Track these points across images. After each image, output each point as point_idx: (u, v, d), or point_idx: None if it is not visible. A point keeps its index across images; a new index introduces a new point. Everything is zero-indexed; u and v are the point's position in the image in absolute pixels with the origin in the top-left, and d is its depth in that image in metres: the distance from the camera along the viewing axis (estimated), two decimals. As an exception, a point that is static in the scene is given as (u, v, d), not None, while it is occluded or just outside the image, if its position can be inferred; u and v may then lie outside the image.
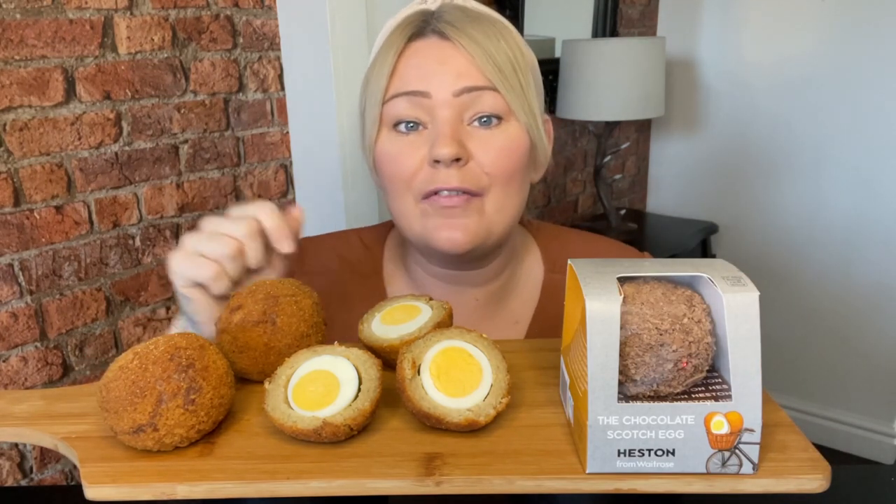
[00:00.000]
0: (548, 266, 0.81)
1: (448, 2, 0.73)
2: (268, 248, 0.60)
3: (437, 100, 0.68)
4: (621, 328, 0.43)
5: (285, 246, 0.59)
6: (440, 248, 0.69)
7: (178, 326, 0.67)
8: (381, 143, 0.71)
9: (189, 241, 0.58)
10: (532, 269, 0.82)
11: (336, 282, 0.81)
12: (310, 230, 1.51)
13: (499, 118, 0.69)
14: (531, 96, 0.71)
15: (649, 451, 0.43)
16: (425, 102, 0.68)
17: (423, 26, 0.70)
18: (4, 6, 0.98)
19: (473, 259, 0.75)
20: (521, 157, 0.71)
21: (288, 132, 1.39)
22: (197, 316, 0.60)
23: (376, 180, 0.77)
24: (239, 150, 1.32)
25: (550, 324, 0.78)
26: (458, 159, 0.66)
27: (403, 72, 0.69)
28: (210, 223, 0.59)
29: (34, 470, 1.12)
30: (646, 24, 2.32)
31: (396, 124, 0.70)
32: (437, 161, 0.66)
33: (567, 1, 2.11)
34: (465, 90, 0.67)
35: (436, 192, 0.68)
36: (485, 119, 0.69)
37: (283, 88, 1.36)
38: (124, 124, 1.14)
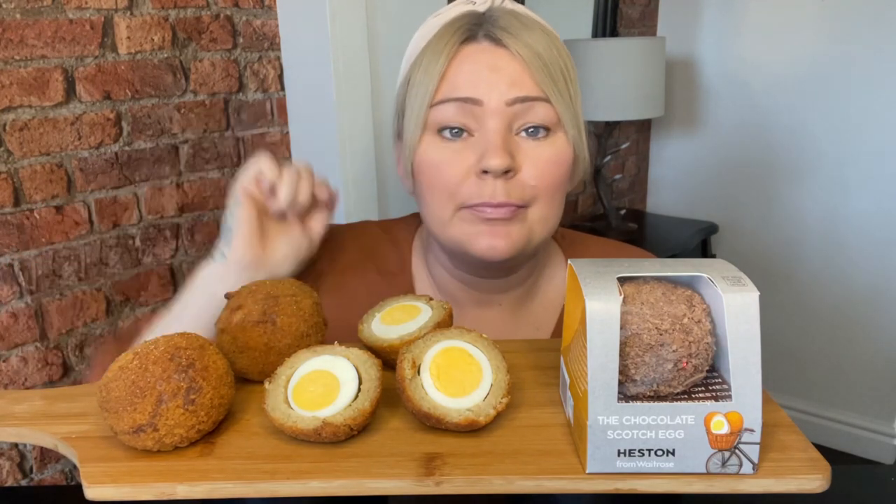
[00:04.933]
0: None
1: (498, 5, 0.71)
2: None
3: (488, 108, 0.66)
4: (621, 328, 0.43)
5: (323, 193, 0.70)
6: (480, 255, 0.68)
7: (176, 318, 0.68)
8: (424, 148, 0.69)
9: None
10: (555, 276, 0.80)
11: (363, 279, 0.79)
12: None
13: (547, 129, 0.67)
14: (579, 108, 0.70)
15: (649, 451, 0.43)
16: (476, 110, 0.66)
17: (475, 30, 0.68)
18: (4, 6, 0.98)
19: (507, 268, 0.73)
20: (566, 170, 0.69)
21: (288, 132, 1.39)
22: (238, 228, 0.66)
23: (408, 185, 0.74)
24: (239, 150, 1.32)
25: None
26: (507, 171, 0.65)
27: (454, 77, 0.67)
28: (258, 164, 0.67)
29: (34, 470, 1.12)
30: (646, 24, 2.32)
31: (441, 129, 0.68)
32: (485, 172, 0.65)
33: (567, 1, 2.11)
34: (518, 100, 0.66)
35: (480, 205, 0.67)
36: (534, 129, 0.67)
37: (283, 88, 1.36)
38: (124, 124, 1.14)
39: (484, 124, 0.66)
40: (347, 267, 0.79)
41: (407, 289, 0.79)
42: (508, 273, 0.75)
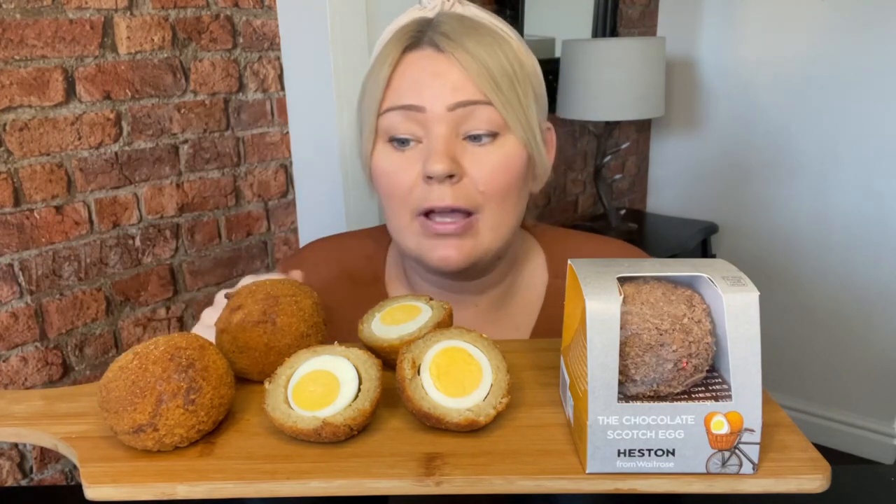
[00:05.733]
0: (552, 272, 0.80)
1: (446, 10, 0.71)
2: None
3: (431, 114, 0.66)
4: (621, 328, 0.43)
5: None
6: (434, 266, 0.69)
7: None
8: (377, 156, 0.70)
9: (207, 316, 0.63)
10: (535, 275, 0.81)
11: (337, 291, 0.80)
12: (310, 230, 1.51)
13: (494, 133, 0.68)
14: (529, 109, 0.69)
15: (649, 451, 0.43)
16: (420, 117, 0.67)
17: (418, 37, 0.69)
18: (4, 6, 0.98)
19: (474, 273, 0.74)
20: (517, 173, 0.69)
21: (288, 132, 1.39)
22: None
23: (374, 189, 0.76)
24: (239, 150, 1.32)
25: (552, 330, 0.77)
26: (451, 176, 0.65)
27: (398, 84, 0.68)
28: (221, 298, 0.63)
29: (34, 470, 1.12)
30: (646, 24, 2.32)
31: (391, 140, 0.69)
32: (430, 177, 0.66)
33: (567, 1, 2.11)
34: (460, 104, 0.66)
35: (431, 211, 0.67)
36: (479, 134, 0.67)
37: (283, 88, 1.36)
38: (124, 124, 1.14)
39: (430, 131, 0.67)
40: (324, 284, 0.80)
41: (383, 297, 0.80)
42: (479, 276, 0.75)
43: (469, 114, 0.67)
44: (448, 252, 0.68)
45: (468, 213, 0.67)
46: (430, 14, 0.71)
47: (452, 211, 0.67)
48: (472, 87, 0.66)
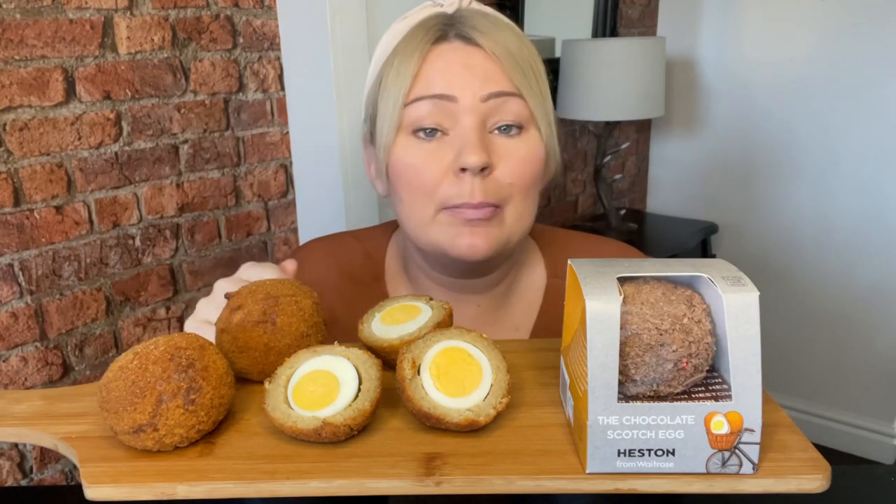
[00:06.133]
0: (550, 271, 0.80)
1: (466, 6, 0.72)
2: None
3: (463, 105, 0.66)
4: (621, 328, 0.43)
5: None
6: (460, 255, 0.68)
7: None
8: (399, 149, 0.69)
9: (202, 309, 0.61)
10: (534, 275, 0.81)
11: (336, 291, 0.80)
12: (310, 230, 1.51)
13: (521, 126, 0.68)
14: (549, 106, 0.71)
15: (649, 451, 0.43)
16: (451, 107, 0.66)
17: (446, 30, 0.69)
18: (4, 6, 0.98)
19: (486, 268, 0.74)
20: (540, 167, 0.70)
21: (288, 132, 1.39)
22: None
23: (381, 188, 0.74)
24: (239, 150, 1.32)
25: (552, 329, 0.77)
26: (484, 168, 0.65)
27: (428, 75, 0.67)
28: (221, 288, 0.61)
29: (34, 470, 1.12)
30: (646, 24, 2.32)
31: (416, 130, 0.68)
32: (463, 169, 0.65)
33: (567, 1, 2.11)
34: (493, 95, 0.66)
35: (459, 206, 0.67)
36: (507, 126, 0.68)
37: (283, 88, 1.36)
38: (124, 124, 1.14)
39: (459, 122, 0.67)
40: (325, 284, 0.80)
41: (382, 297, 0.80)
42: (486, 273, 0.75)
43: (499, 106, 0.67)
44: (476, 240, 0.67)
45: (496, 206, 0.68)
46: (448, 10, 0.71)
47: (481, 205, 0.67)
48: (504, 78, 0.67)
